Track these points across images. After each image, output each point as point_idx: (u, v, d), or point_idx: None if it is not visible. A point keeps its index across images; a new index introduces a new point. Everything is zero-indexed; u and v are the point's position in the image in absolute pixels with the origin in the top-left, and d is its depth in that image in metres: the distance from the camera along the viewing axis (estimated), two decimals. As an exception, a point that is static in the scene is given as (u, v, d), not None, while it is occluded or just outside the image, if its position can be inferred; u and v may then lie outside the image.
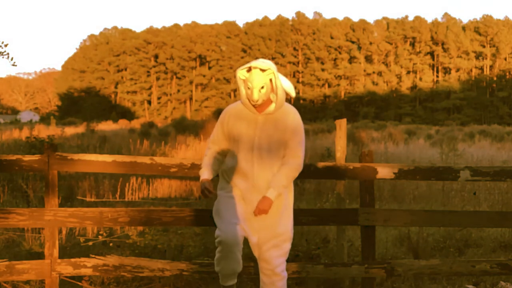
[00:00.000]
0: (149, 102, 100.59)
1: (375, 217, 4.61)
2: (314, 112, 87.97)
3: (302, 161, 3.81)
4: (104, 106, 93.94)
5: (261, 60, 3.62)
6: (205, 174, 3.79)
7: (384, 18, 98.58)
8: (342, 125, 4.87)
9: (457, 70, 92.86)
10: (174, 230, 6.09)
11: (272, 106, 3.69)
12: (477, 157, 14.84)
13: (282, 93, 3.65)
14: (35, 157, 4.37)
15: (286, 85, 3.72)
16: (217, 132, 3.84)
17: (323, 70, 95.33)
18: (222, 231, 3.67)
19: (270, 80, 3.62)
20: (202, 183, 3.76)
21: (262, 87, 3.58)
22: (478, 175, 4.64)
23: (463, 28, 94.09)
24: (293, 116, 3.75)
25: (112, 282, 4.82)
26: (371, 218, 4.59)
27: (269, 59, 78.66)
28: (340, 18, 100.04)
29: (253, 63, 3.59)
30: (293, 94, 3.74)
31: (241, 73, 3.62)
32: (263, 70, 3.58)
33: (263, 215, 3.70)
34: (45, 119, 59.57)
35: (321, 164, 4.64)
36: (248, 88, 3.60)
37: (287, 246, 3.80)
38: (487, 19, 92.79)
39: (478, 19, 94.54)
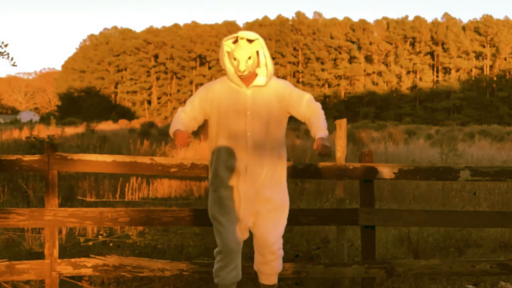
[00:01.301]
0: (149, 102, 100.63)
1: (375, 217, 4.61)
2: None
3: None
4: (104, 106, 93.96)
5: (247, 31, 3.49)
6: (178, 127, 3.53)
7: (384, 18, 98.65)
8: (342, 125, 4.86)
9: (457, 70, 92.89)
10: (174, 230, 6.10)
11: (261, 79, 3.52)
12: (477, 157, 14.84)
13: (272, 65, 3.52)
14: (35, 157, 4.37)
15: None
16: (191, 104, 3.63)
17: (323, 70, 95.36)
18: (223, 239, 3.59)
19: (257, 52, 3.48)
20: (175, 132, 3.47)
21: (249, 58, 3.43)
22: (478, 175, 4.64)
23: (463, 28, 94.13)
24: (282, 82, 3.64)
25: (112, 282, 4.82)
26: (371, 218, 4.59)
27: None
28: (340, 18, 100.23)
29: (240, 33, 3.46)
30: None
31: (227, 44, 3.48)
32: (250, 41, 3.45)
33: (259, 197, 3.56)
34: (45, 119, 59.58)
35: (321, 164, 4.64)
36: (234, 59, 3.44)
37: (283, 222, 3.67)
38: (487, 19, 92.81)
39: (478, 19, 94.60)
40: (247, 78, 3.53)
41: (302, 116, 3.62)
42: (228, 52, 3.49)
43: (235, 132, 3.53)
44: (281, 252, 3.73)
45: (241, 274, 3.75)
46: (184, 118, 3.62)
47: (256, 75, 3.55)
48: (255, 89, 3.55)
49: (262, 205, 3.58)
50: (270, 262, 3.70)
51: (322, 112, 3.63)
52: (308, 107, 3.60)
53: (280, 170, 3.66)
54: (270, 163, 3.58)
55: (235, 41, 3.47)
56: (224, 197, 3.60)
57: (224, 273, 3.65)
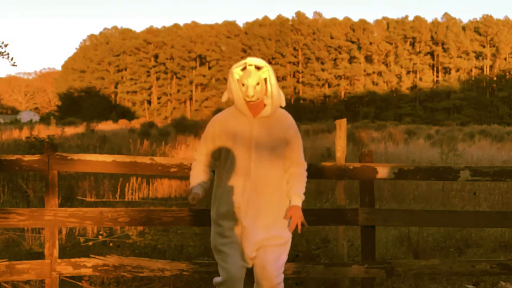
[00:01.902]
0: (149, 102, 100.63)
1: (375, 217, 4.61)
2: (314, 112, 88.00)
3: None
4: (104, 106, 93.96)
5: (255, 58, 3.54)
6: (196, 189, 3.63)
7: (384, 18, 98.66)
8: (342, 125, 4.86)
9: (457, 70, 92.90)
10: (174, 230, 6.09)
11: (267, 109, 3.57)
12: (477, 157, 14.84)
13: (278, 94, 3.56)
14: (35, 157, 4.37)
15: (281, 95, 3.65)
16: (205, 145, 3.69)
17: (323, 70, 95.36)
18: (226, 269, 3.59)
19: (265, 79, 3.53)
20: (191, 194, 3.60)
21: (258, 84, 3.48)
22: (478, 175, 4.64)
23: (463, 28, 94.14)
24: (291, 118, 3.70)
25: (112, 282, 4.82)
26: (371, 218, 4.59)
27: (269, 59, 78.58)
28: (340, 18, 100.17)
29: (249, 60, 3.51)
30: (283, 103, 3.64)
31: (236, 71, 3.52)
32: (258, 68, 3.50)
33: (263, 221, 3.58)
34: (45, 119, 59.60)
35: (321, 164, 4.64)
36: (243, 85, 3.49)
37: (285, 256, 3.68)
38: (487, 19, 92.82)
39: (478, 19, 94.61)
40: (255, 108, 3.57)
41: (285, 165, 3.70)
42: (237, 80, 3.54)
43: (240, 161, 3.57)
44: (280, 280, 3.70)
45: None
46: (200, 172, 3.70)
47: (264, 105, 3.59)
48: (262, 119, 3.59)
49: (266, 239, 3.60)
50: None
51: (305, 179, 3.71)
52: (295, 171, 3.68)
53: (283, 204, 3.68)
54: (273, 196, 3.62)
55: (244, 68, 3.53)
56: (227, 228, 3.61)
57: None
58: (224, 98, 3.66)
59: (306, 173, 3.72)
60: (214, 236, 3.68)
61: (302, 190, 3.65)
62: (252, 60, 3.52)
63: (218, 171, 3.70)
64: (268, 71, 3.52)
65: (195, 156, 3.74)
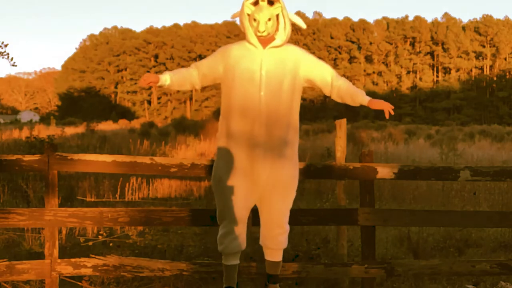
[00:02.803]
0: (149, 102, 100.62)
1: (375, 217, 4.61)
2: (314, 112, 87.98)
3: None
4: (104, 106, 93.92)
5: None
6: (163, 73, 3.59)
7: (384, 18, 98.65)
8: (342, 125, 4.87)
9: (457, 70, 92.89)
10: (174, 230, 6.10)
11: (277, 40, 3.55)
12: (477, 157, 14.84)
13: (290, 27, 3.55)
14: (35, 157, 4.37)
15: (295, 18, 3.63)
16: (209, 61, 3.64)
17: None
18: (228, 205, 3.53)
19: (277, 15, 3.51)
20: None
21: (269, 19, 3.47)
22: (478, 175, 4.63)
23: (463, 28, 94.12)
24: (299, 49, 3.65)
25: (112, 282, 4.82)
26: (371, 218, 4.59)
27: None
28: (340, 18, 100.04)
29: None
30: (303, 25, 3.64)
31: (248, 6, 3.51)
32: (271, 4, 3.48)
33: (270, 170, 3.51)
34: (45, 119, 59.54)
35: (321, 164, 4.64)
36: (254, 19, 3.48)
37: (292, 195, 3.63)
38: (487, 19, 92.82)
39: (478, 19, 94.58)
40: (265, 40, 3.55)
41: (324, 81, 3.66)
42: (248, 14, 3.53)
43: (249, 91, 3.50)
44: (287, 227, 3.69)
45: (245, 243, 3.67)
46: (183, 69, 3.68)
47: (274, 38, 3.57)
48: (272, 49, 3.57)
49: (272, 177, 3.53)
50: (277, 236, 3.65)
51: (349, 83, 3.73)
52: (335, 76, 3.69)
53: (293, 141, 3.60)
54: (283, 129, 3.53)
55: (256, 3, 3.51)
56: (236, 157, 3.53)
57: (228, 240, 3.61)
58: (233, 16, 3.65)
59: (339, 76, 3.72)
60: (220, 163, 3.59)
61: (361, 91, 3.71)
62: None
63: (223, 103, 3.61)
64: (280, 7, 3.50)
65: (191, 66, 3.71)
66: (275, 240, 3.67)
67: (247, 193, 3.54)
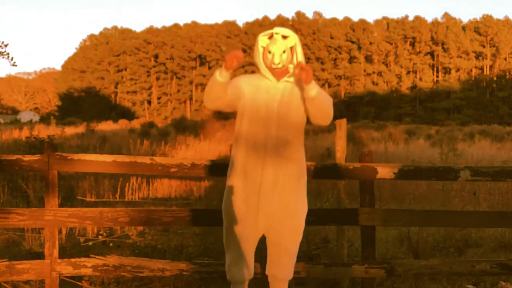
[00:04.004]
0: (149, 102, 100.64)
1: (375, 217, 4.61)
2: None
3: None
4: (104, 106, 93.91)
5: (282, 27, 3.57)
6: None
7: (384, 18, 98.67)
8: (342, 125, 4.86)
9: (457, 70, 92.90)
10: (174, 230, 6.10)
11: (290, 74, 3.57)
12: (477, 157, 14.84)
13: (303, 61, 3.58)
14: (35, 157, 4.37)
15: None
16: (233, 83, 3.58)
17: (323, 70, 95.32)
18: (233, 241, 3.57)
19: (291, 48, 3.55)
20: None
21: (284, 52, 3.51)
22: (478, 175, 4.63)
23: (463, 28, 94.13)
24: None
25: (112, 282, 4.82)
26: (371, 218, 4.59)
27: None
28: (340, 18, 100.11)
29: (275, 29, 3.54)
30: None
31: (263, 39, 3.55)
32: (284, 37, 3.52)
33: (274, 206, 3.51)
34: (45, 119, 59.53)
35: (321, 164, 4.64)
36: (269, 52, 3.51)
37: (301, 225, 3.65)
38: (487, 19, 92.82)
39: (478, 19, 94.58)
40: (279, 74, 3.57)
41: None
42: (263, 47, 3.56)
43: (262, 123, 3.51)
44: (295, 259, 3.70)
45: (253, 271, 3.67)
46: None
47: (289, 72, 3.59)
48: (286, 83, 3.59)
49: (282, 207, 3.54)
50: (284, 266, 3.65)
51: (328, 99, 3.56)
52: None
53: (302, 173, 3.63)
54: (293, 162, 3.56)
55: (270, 37, 3.55)
56: (243, 189, 3.55)
57: (236, 269, 3.61)
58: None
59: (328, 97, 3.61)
60: (228, 195, 3.61)
61: (318, 88, 3.48)
62: (279, 29, 3.54)
63: (236, 133, 3.62)
64: (294, 40, 3.54)
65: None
66: (283, 269, 3.66)
67: (254, 222, 3.55)
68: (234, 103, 3.60)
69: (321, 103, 3.47)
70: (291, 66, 3.56)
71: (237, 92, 3.57)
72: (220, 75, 3.44)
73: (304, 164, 3.68)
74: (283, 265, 3.65)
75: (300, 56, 3.56)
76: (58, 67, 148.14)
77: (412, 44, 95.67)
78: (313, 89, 3.42)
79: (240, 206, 3.55)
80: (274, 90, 3.56)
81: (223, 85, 3.47)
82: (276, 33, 3.52)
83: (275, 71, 3.54)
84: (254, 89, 3.57)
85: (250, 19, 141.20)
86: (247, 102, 3.56)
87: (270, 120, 3.52)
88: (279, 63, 3.49)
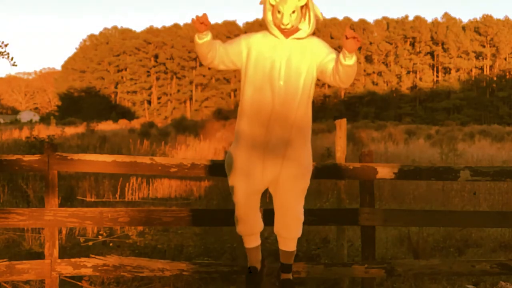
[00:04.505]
0: (149, 102, 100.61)
1: (375, 217, 4.61)
2: (314, 112, 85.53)
3: None
4: (104, 106, 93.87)
5: None
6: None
7: (384, 18, 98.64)
8: (342, 125, 4.86)
9: (457, 70, 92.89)
10: (174, 230, 6.11)
11: (301, 32, 3.50)
12: (477, 157, 14.84)
13: (314, 20, 3.50)
14: (35, 157, 4.37)
15: (316, 9, 3.56)
16: (234, 42, 3.57)
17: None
18: (237, 193, 3.53)
19: (301, 7, 3.46)
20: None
21: (293, 12, 3.42)
22: (478, 175, 4.63)
23: (463, 28, 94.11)
24: (318, 39, 3.59)
25: (112, 282, 4.82)
26: (371, 218, 4.59)
27: (269, 59, 77.87)
28: (340, 18, 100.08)
29: None
30: (320, 17, 3.56)
31: None
32: None
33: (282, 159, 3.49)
34: (45, 119, 59.52)
35: (321, 164, 4.64)
36: (278, 12, 3.42)
37: (305, 184, 3.62)
38: (487, 19, 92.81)
39: (478, 19, 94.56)
40: (288, 31, 3.50)
41: (328, 70, 3.47)
42: (272, 5, 3.47)
43: (268, 80, 3.47)
44: (301, 216, 3.70)
45: (262, 223, 3.71)
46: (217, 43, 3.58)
47: (298, 29, 3.53)
48: (294, 40, 3.52)
49: (285, 167, 3.52)
50: (290, 224, 3.65)
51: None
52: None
53: (306, 132, 3.59)
54: (298, 120, 3.52)
55: None
56: (249, 142, 3.51)
57: (243, 223, 3.63)
58: (261, 2, 3.55)
59: None
60: (233, 153, 3.58)
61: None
62: None
63: (242, 93, 3.59)
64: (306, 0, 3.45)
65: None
66: (288, 228, 3.66)
67: (257, 176, 3.52)
68: (233, 59, 3.56)
69: (353, 70, 3.36)
70: (301, 23, 3.46)
71: (237, 49, 3.55)
72: (198, 38, 3.45)
73: (310, 122, 3.61)
74: (288, 225, 3.67)
75: (312, 15, 3.47)
76: (58, 67, 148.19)
77: (412, 44, 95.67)
78: (354, 57, 3.32)
79: (244, 161, 3.53)
80: (282, 47, 3.49)
81: (205, 44, 3.46)
82: None
83: (284, 30, 3.48)
84: (262, 47, 3.51)
85: (250, 19, 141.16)
86: (251, 59, 3.51)
87: (277, 75, 3.46)
88: (288, 24, 3.42)
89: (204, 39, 3.45)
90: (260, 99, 3.48)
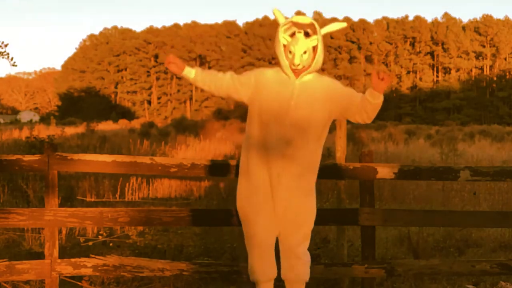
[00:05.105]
0: (149, 102, 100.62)
1: (375, 217, 4.61)
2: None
3: None
4: (104, 106, 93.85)
5: (304, 17, 3.42)
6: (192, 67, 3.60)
7: (384, 18, 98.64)
8: (342, 125, 4.86)
9: (457, 70, 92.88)
10: (174, 230, 6.10)
11: (308, 71, 3.48)
12: (477, 157, 14.83)
13: (321, 59, 3.48)
14: (35, 157, 4.37)
15: (334, 26, 3.54)
16: (244, 77, 3.56)
17: (323, 70, 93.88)
18: (254, 237, 3.54)
19: (313, 47, 3.42)
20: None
21: (305, 52, 3.39)
22: (478, 175, 4.63)
23: (463, 28, 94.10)
24: (332, 80, 3.59)
25: (112, 282, 4.82)
26: (371, 218, 4.59)
27: (269, 59, 77.54)
28: (340, 18, 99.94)
29: (296, 19, 3.41)
30: (343, 25, 3.55)
31: (284, 37, 3.43)
32: (307, 36, 3.40)
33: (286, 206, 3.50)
34: (45, 119, 59.50)
35: (321, 164, 4.63)
36: (290, 52, 3.40)
37: (309, 225, 3.59)
38: (487, 19, 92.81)
39: (478, 19, 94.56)
40: (299, 71, 3.48)
41: (351, 110, 3.51)
42: (284, 45, 3.44)
43: (275, 120, 3.45)
44: (307, 258, 3.64)
45: (276, 269, 3.65)
46: (217, 73, 3.63)
47: (308, 69, 3.50)
48: (304, 81, 3.50)
49: (289, 207, 3.52)
50: (295, 268, 3.59)
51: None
52: (358, 100, 3.50)
53: (313, 174, 3.61)
54: (305, 162, 3.52)
55: (292, 34, 3.42)
56: (257, 182, 3.51)
57: (260, 267, 3.59)
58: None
59: None
60: (242, 195, 3.58)
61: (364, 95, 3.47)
62: (302, 25, 3.41)
63: (248, 128, 3.58)
64: (317, 39, 3.41)
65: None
66: (294, 272, 3.60)
67: (270, 218, 3.52)
68: (240, 92, 3.55)
69: (380, 106, 3.43)
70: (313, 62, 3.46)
71: (247, 81, 3.54)
72: (185, 77, 3.60)
73: (312, 164, 3.60)
74: (292, 266, 3.60)
75: (319, 55, 3.44)
76: (58, 67, 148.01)
77: (412, 44, 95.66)
78: (381, 96, 3.38)
79: (247, 207, 3.55)
80: (292, 87, 3.47)
81: (198, 79, 3.61)
82: (299, 32, 3.39)
83: (295, 70, 3.46)
84: (271, 85, 3.49)
85: (250, 19, 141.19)
86: (259, 95, 3.49)
87: (284, 116, 3.43)
88: (299, 64, 3.40)
89: (190, 76, 3.56)
90: (266, 136, 3.47)
